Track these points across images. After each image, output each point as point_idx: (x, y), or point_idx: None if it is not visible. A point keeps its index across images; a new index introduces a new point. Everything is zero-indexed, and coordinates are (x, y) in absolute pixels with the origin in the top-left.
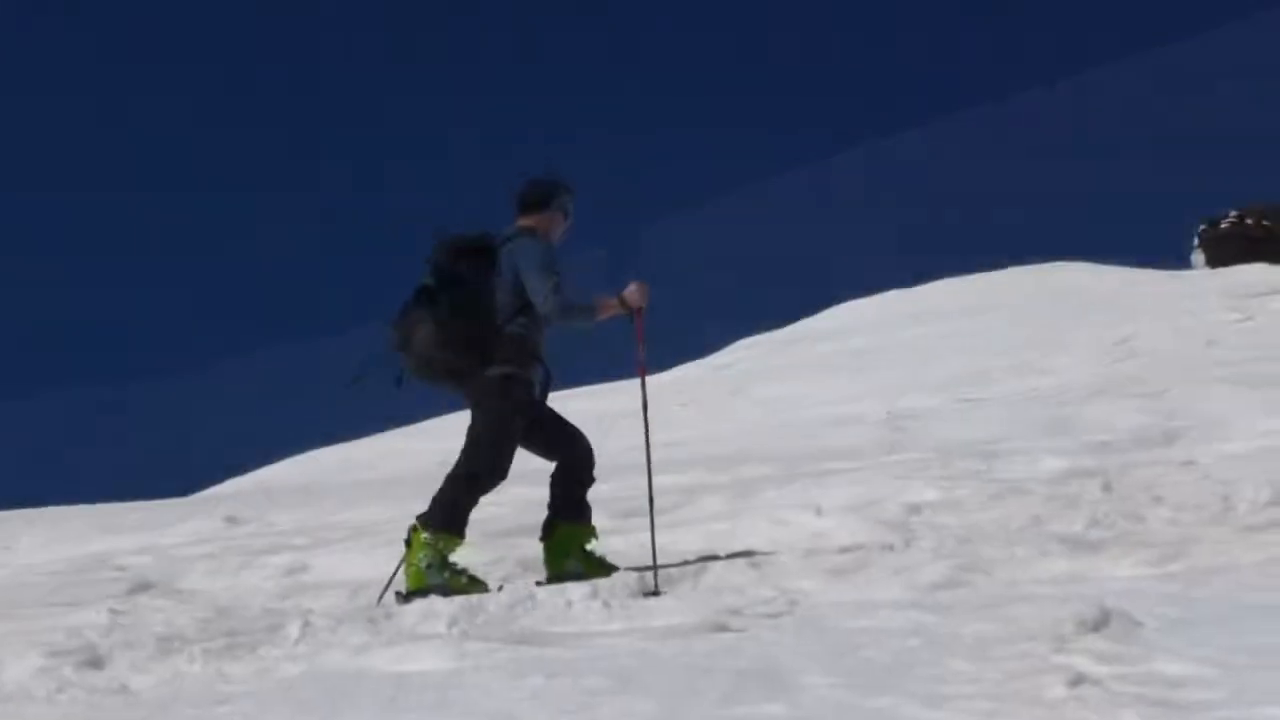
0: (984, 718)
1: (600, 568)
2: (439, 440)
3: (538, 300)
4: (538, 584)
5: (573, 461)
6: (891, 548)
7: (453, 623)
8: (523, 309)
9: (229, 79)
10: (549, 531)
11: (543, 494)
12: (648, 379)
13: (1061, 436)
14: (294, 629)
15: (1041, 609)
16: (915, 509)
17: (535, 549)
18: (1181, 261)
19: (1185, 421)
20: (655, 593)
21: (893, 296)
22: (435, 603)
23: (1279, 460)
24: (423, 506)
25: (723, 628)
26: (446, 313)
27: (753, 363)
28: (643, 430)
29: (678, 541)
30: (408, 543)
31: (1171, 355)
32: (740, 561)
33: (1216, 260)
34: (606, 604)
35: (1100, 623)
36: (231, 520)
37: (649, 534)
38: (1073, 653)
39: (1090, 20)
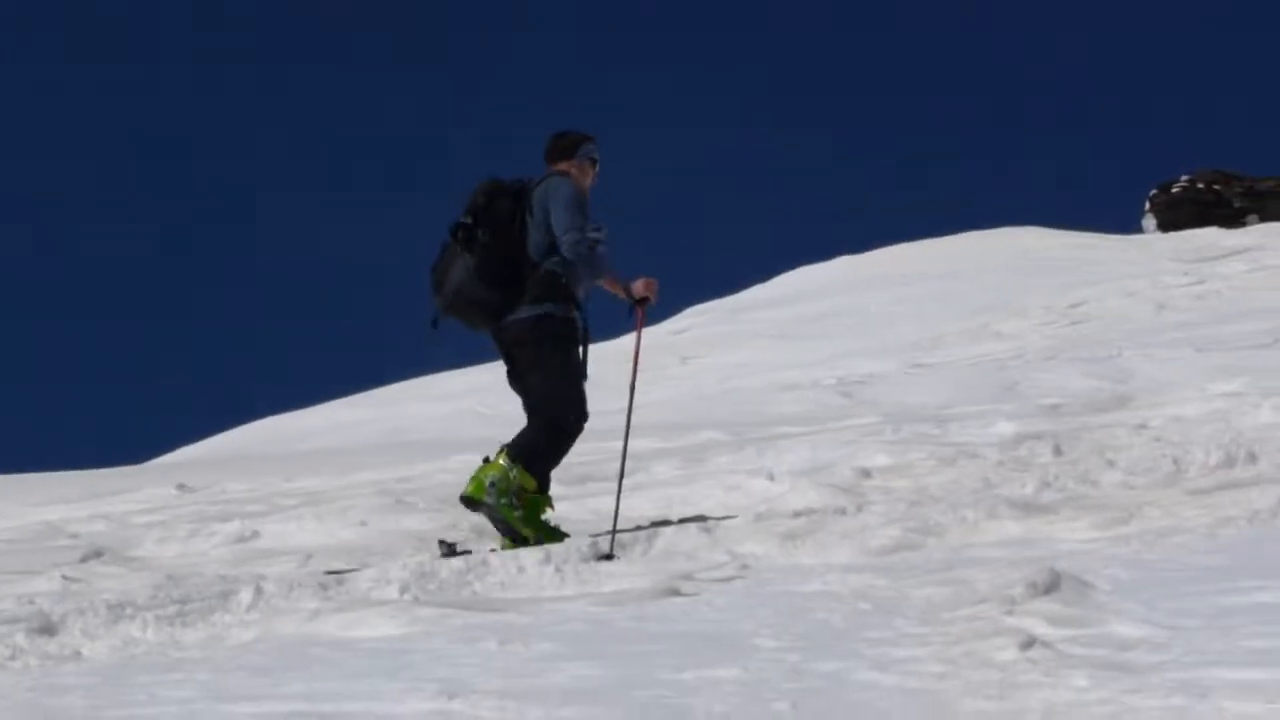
0: (935, 680)
1: (554, 536)
2: (388, 407)
3: (560, 232)
4: (492, 551)
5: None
6: (843, 512)
7: (404, 589)
8: (556, 247)
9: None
10: None
11: None
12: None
13: (1013, 400)
14: (246, 595)
15: (992, 572)
16: (866, 473)
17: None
18: (1133, 225)
19: (1136, 385)
20: (609, 556)
21: (843, 262)
22: (388, 569)
23: (1229, 423)
24: (373, 474)
25: (675, 592)
26: (482, 248)
27: (704, 329)
28: (611, 401)
29: (631, 507)
30: (486, 459)
31: (1123, 319)
32: (692, 526)
33: (1168, 224)
34: (559, 569)
35: (1051, 585)
36: (184, 488)
37: (602, 500)
38: (1024, 615)
39: None
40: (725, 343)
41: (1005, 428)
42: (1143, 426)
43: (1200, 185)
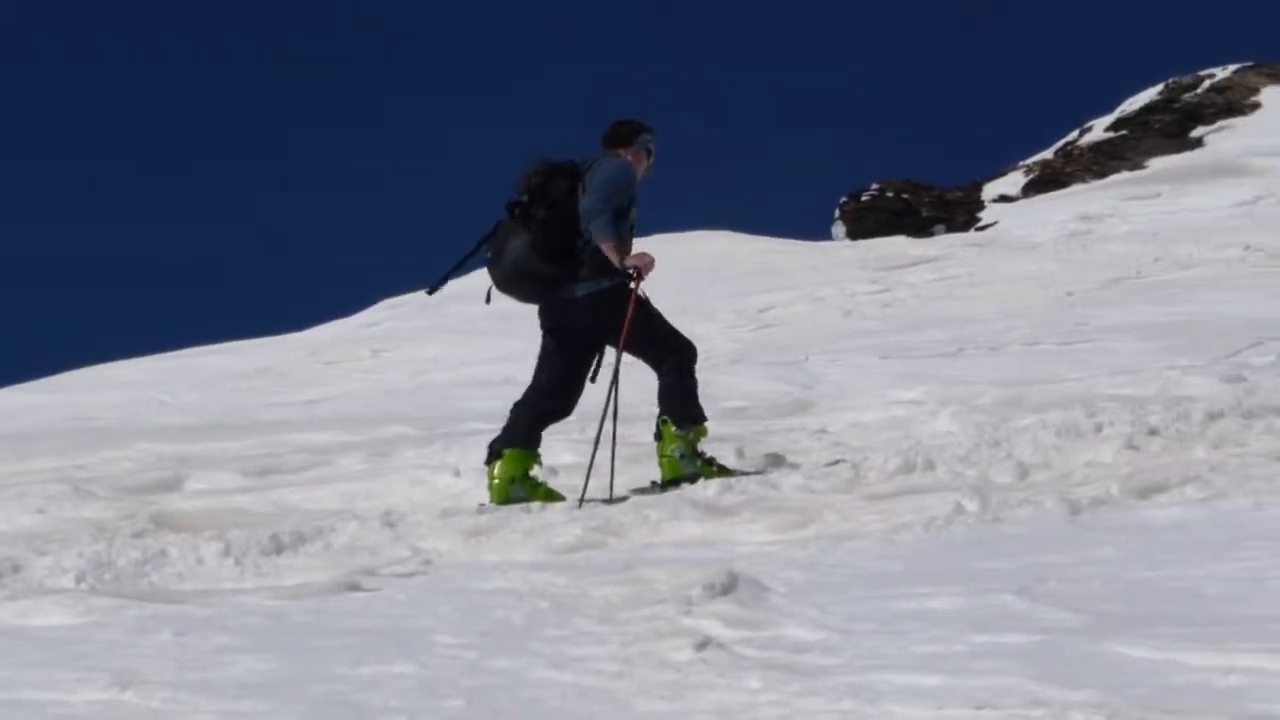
0: (611, 679)
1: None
2: (67, 394)
3: (587, 200)
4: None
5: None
6: (527, 509)
7: (80, 578)
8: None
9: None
10: (659, 433)
11: (165, 449)
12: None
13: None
14: None
15: (671, 572)
16: (553, 471)
17: (169, 504)
18: (823, 232)
19: (820, 390)
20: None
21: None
22: (64, 557)
23: (908, 430)
24: (51, 461)
25: (355, 587)
26: (539, 225)
27: (396, 323)
28: (292, 394)
29: (312, 500)
30: (658, 435)
31: (810, 325)
32: (375, 521)
33: (857, 232)
34: (238, 561)
35: (728, 587)
36: None
37: (285, 491)
38: (700, 616)
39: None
40: (418, 337)
41: None
42: (823, 431)
43: (890, 194)
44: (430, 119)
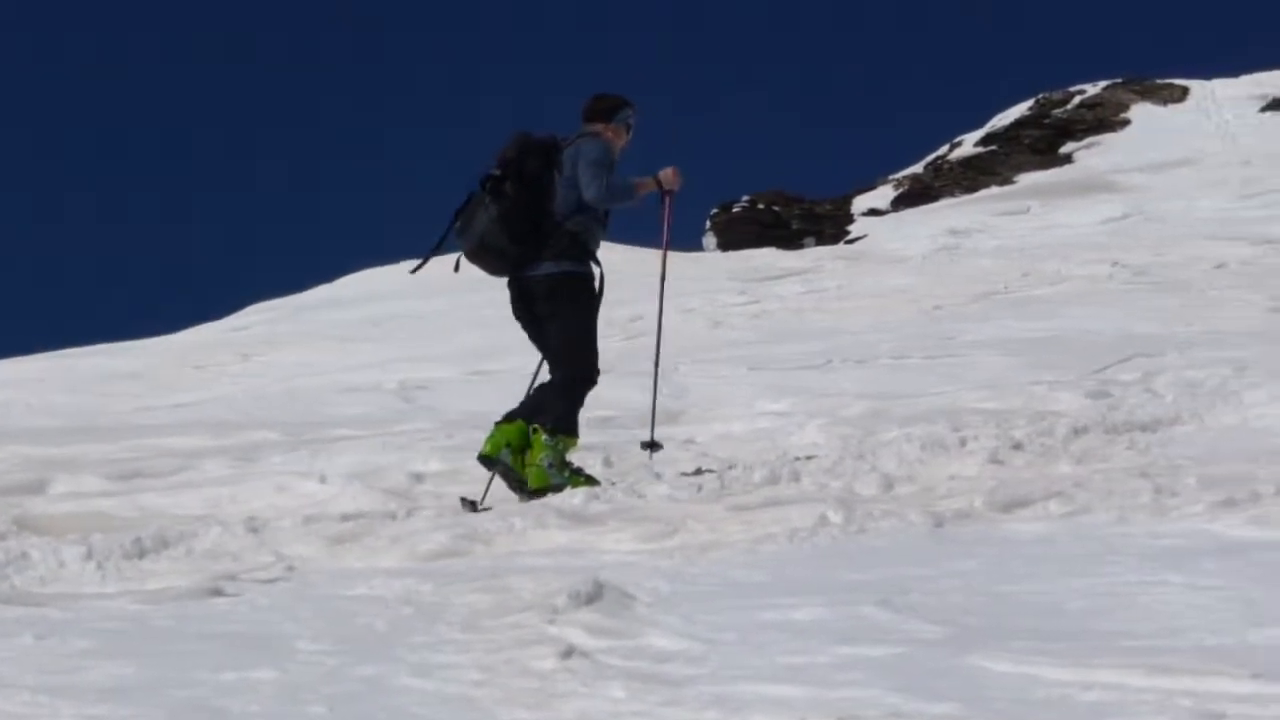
0: (473, 687)
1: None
2: None
3: (585, 189)
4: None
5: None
6: (393, 516)
7: None
8: (582, 207)
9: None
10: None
11: (30, 452)
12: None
13: None
14: None
15: (537, 581)
16: (419, 478)
17: (32, 506)
18: (694, 243)
19: (688, 401)
20: (656, 445)
21: (408, 266)
22: None
23: (774, 441)
24: None
25: (218, 592)
26: (510, 201)
27: (266, 327)
28: (160, 398)
29: (177, 504)
30: (527, 444)
31: (679, 335)
32: (239, 527)
33: (728, 243)
34: (100, 565)
35: (593, 596)
36: None
37: (148, 496)
38: (565, 625)
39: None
40: (287, 342)
41: None
42: (691, 442)
43: (760, 206)
44: (430, 119)
